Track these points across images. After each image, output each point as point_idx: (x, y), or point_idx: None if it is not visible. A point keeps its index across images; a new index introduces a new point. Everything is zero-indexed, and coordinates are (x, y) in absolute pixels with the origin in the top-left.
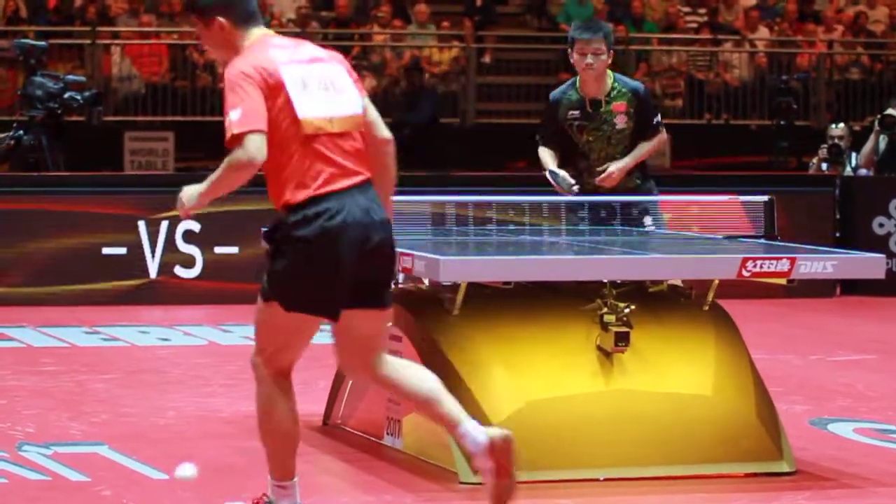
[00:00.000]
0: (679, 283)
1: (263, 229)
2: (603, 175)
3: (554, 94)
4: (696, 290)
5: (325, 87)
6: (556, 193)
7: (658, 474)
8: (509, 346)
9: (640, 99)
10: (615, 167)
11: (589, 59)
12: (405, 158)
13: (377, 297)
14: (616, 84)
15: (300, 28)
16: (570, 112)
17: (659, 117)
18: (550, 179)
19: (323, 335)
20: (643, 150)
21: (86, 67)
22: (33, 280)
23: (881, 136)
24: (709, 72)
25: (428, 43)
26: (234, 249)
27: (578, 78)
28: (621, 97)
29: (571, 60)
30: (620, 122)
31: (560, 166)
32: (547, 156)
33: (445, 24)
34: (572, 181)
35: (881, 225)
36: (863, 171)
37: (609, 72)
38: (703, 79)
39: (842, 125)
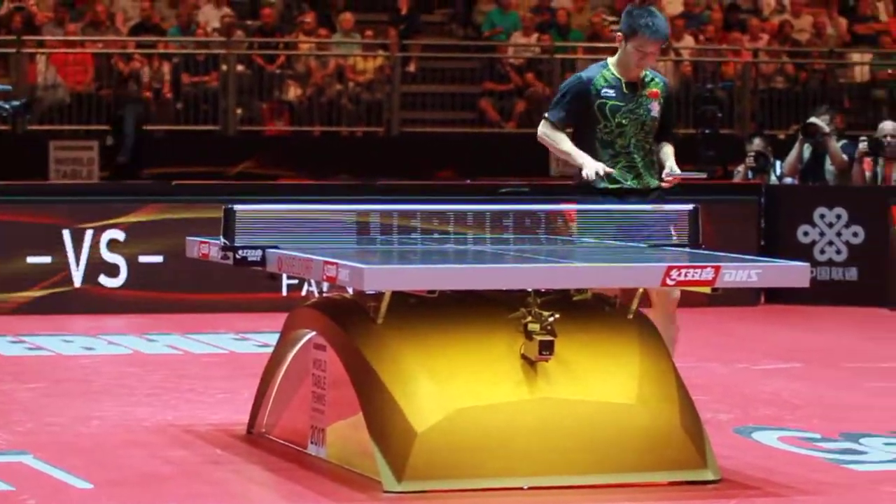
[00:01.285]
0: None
1: None
2: (667, 178)
3: (584, 72)
4: (621, 300)
5: None
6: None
7: (582, 483)
8: (434, 355)
9: (668, 92)
10: (674, 169)
11: (648, 59)
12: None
13: None
14: (648, 72)
15: (225, 37)
16: (605, 91)
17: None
18: (582, 167)
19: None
20: (671, 152)
21: (11, 76)
22: None
23: (805, 145)
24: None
25: (353, 52)
26: (158, 259)
27: (615, 60)
28: (655, 85)
29: (625, 49)
30: (654, 109)
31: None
32: (558, 134)
33: (369, 32)
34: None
35: (806, 233)
36: (788, 180)
37: None
38: None
39: (759, 139)
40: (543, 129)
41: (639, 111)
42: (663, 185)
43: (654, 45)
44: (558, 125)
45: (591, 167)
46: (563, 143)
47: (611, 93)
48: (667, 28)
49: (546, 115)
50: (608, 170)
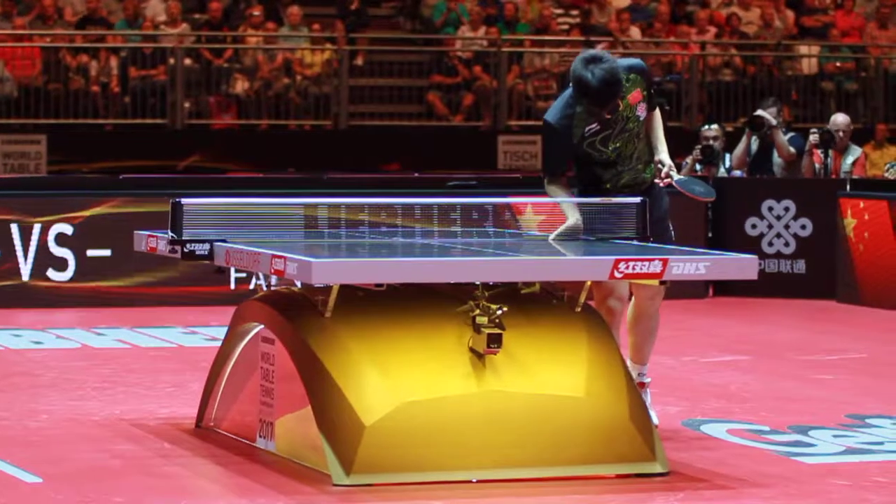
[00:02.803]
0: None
1: None
2: (664, 177)
3: (553, 117)
4: (569, 292)
5: None
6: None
7: (531, 476)
8: (382, 348)
9: (645, 75)
10: (669, 163)
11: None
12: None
13: None
14: (622, 73)
15: (172, 30)
16: (589, 128)
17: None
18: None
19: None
20: (659, 127)
21: None
22: None
23: (753, 138)
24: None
25: (300, 45)
26: (106, 252)
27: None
28: (633, 85)
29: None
30: (641, 111)
31: (580, 183)
32: (558, 192)
33: (316, 26)
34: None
35: (754, 226)
36: (736, 173)
37: None
38: None
39: (715, 126)
40: (548, 189)
41: (629, 126)
42: (657, 182)
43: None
44: (560, 178)
45: (570, 226)
46: (557, 197)
47: (595, 127)
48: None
49: (545, 178)
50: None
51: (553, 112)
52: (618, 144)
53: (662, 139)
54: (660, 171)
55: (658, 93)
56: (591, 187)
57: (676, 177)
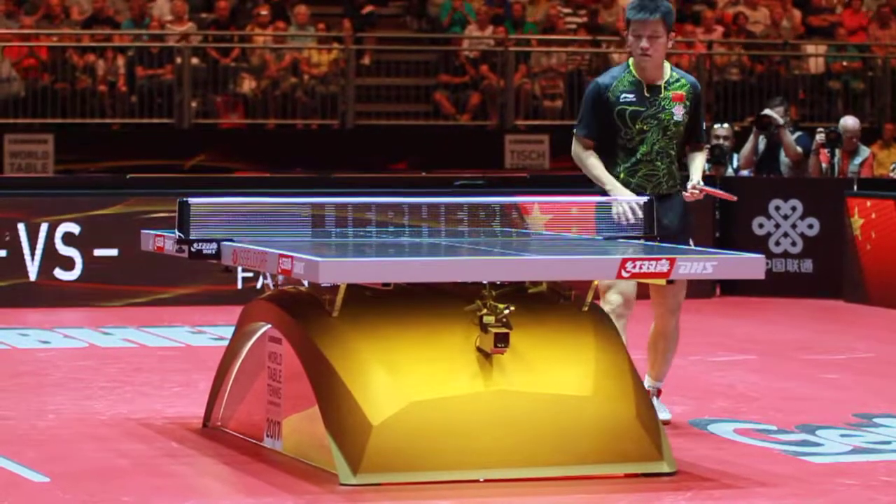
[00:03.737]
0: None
1: None
2: (691, 192)
3: (601, 78)
4: (576, 292)
5: None
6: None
7: (538, 475)
8: (389, 348)
9: (696, 94)
10: (700, 183)
11: (644, 43)
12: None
13: None
14: (674, 73)
15: (179, 29)
16: (625, 95)
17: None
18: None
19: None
20: (701, 160)
21: None
22: None
23: (760, 137)
24: (589, 73)
25: (308, 45)
26: (113, 252)
27: (632, 61)
28: (681, 87)
29: (627, 44)
30: (678, 112)
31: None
32: (589, 158)
33: (321, 25)
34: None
35: (761, 225)
36: (744, 172)
37: (665, 62)
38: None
39: (726, 125)
40: (575, 150)
41: (661, 115)
42: (686, 196)
43: (643, 25)
44: (587, 141)
45: (622, 207)
46: (595, 168)
47: (630, 97)
48: (655, 1)
49: (574, 130)
50: (637, 214)
51: (604, 74)
52: (644, 127)
53: (699, 167)
54: (690, 189)
55: None
56: (606, 166)
57: (702, 185)
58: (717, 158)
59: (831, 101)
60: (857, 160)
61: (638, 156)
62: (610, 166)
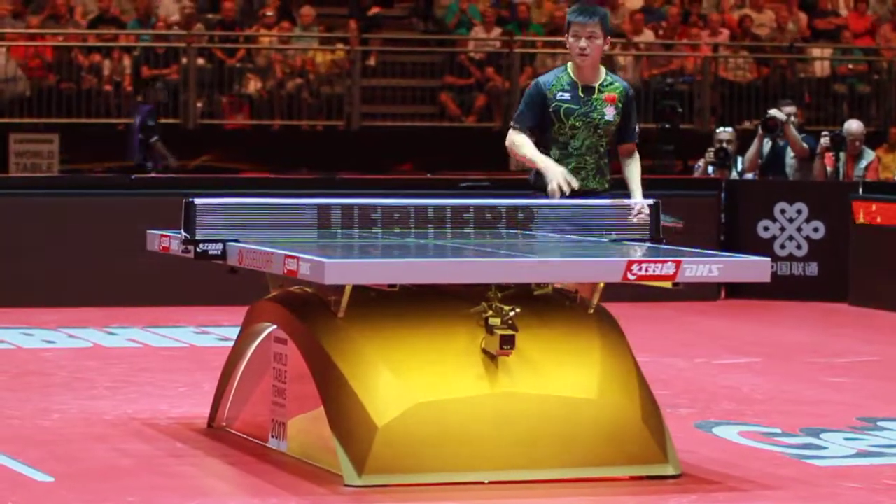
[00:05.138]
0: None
1: None
2: (637, 214)
3: (542, 77)
4: (581, 294)
5: None
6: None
7: (543, 477)
8: (395, 349)
9: (628, 97)
10: (642, 202)
11: (583, 44)
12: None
13: None
14: (609, 77)
15: (185, 30)
16: (561, 94)
17: (637, 127)
18: (542, 170)
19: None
20: (638, 174)
21: None
22: None
23: (765, 140)
24: None
25: (313, 45)
26: (122, 251)
27: (571, 64)
28: (613, 89)
29: (567, 45)
30: (609, 113)
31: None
32: (522, 142)
33: (321, 28)
34: (568, 183)
35: (766, 228)
36: (748, 175)
37: (601, 66)
38: None
39: (729, 129)
40: (509, 138)
41: (593, 115)
42: (632, 220)
43: (583, 27)
44: (523, 132)
45: (555, 180)
46: (524, 147)
47: (566, 96)
48: (594, 7)
49: (511, 123)
50: (573, 183)
51: (545, 74)
52: (577, 124)
53: (638, 182)
54: (632, 209)
55: (668, 95)
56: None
57: (646, 210)
58: (722, 161)
59: (837, 105)
60: (863, 164)
61: (569, 149)
62: (545, 153)
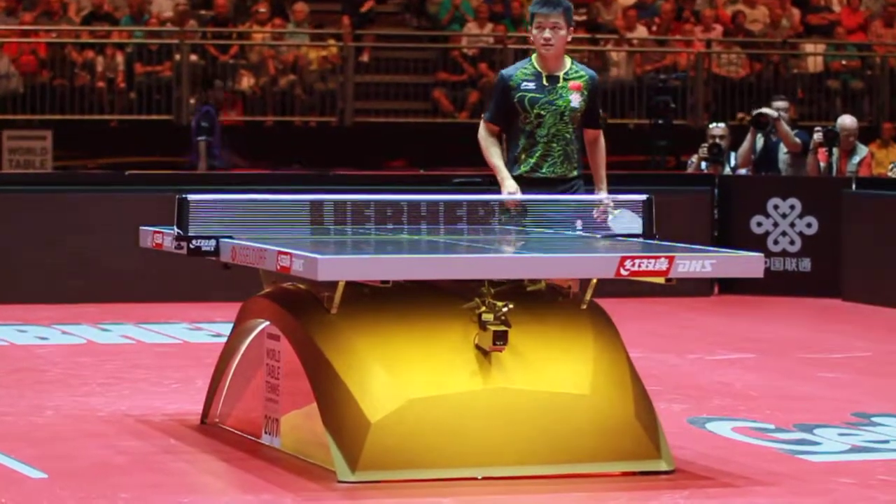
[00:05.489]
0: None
1: None
2: (601, 214)
3: (506, 70)
4: (575, 290)
5: None
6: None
7: (536, 473)
8: (388, 345)
9: (594, 85)
10: (606, 195)
11: (547, 34)
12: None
13: None
14: (574, 66)
15: (178, 27)
16: (525, 84)
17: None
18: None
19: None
20: (602, 163)
21: None
22: None
23: (758, 136)
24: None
25: (305, 42)
26: (113, 249)
27: (535, 55)
28: (579, 78)
29: (530, 38)
30: (576, 100)
31: (504, 143)
32: (491, 146)
33: (310, 26)
34: (515, 193)
35: (759, 224)
36: (741, 171)
37: (566, 56)
38: None
39: (722, 124)
40: (481, 133)
41: (558, 102)
42: (595, 214)
43: (546, 18)
44: (491, 124)
45: (505, 191)
46: (492, 156)
47: (530, 86)
48: (558, 1)
49: (482, 115)
50: (517, 200)
51: (510, 67)
52: (542, 112)
53: (604, 173)
54: (598, 205)
55: (661, 90)
56: (511, 152)
57: (611, 216)
58: (715, 157)
59: (830, 100)
60: (856, 159)
61: (535, 138)
62: (512, 146)
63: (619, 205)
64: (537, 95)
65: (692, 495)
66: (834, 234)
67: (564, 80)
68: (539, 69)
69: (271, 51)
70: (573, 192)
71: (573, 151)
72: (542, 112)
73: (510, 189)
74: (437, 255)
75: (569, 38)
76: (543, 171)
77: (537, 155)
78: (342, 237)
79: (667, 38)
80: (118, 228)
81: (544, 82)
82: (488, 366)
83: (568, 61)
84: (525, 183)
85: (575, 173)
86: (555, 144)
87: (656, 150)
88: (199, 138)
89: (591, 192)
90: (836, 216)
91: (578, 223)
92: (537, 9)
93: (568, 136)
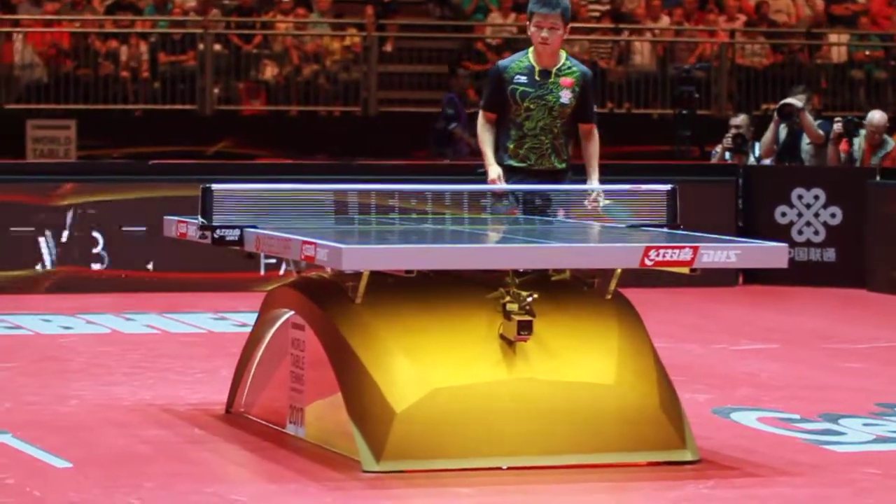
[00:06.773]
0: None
1: None
2: (592, 203)
3: (502, 61)
4: (599, 279)
5: None
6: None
7: (561, 463)
8: (412, 335)
9: (586, 81)
10: (600, 197)
11: (545, 34)
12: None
13: None
14: (568, 62)
15: (202, 16)
16: (518, 77)
17: (595, 109)
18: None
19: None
20: (595, 154)
21: None
22: None
23: (781, 126)
24: (610, 60)
25: (329, 32)
26: (136, 238)
27: (532, 49)
28: (570, 74)
29: (528, 33)
30: (565, 96)
31: (497, 133)
32: (484, 133)
33: (331, 16)
34: (502, 185)
35: (783, 214)
36: (765, 161)
37: (562, 51)
38: (605, 67)
39: (743, 115)
40: (479, 121)
41: (548, 97)
42: (586, 203)
43: (545, 18)
44: (487, 114)
45: (491, 175)
46: (483, 143)
47: (523, 79)
48: (557, 1)
49: (480, 104)
50: (500, 189)
51: (507, 58)
52: (531, 106)
53: (595, 164)
54: (590, 196)
55: (685, 81)
56: (502, 141)
57: (602, 203)
58: (739, 147)
59: (853, 91)
60: (881, 153)
61: (524, 130)
62: (503, 137)
63: (608, 195)
64: (528, 89)
65: (717, 485)
66: (858, 224)
67: (556, 75)
68: (533, 63)
69: (294, 40)
70: (561, 183)
71: (562, 145)
72: (532, 106)
73: (493, 176)
74: (462, 245)
75: (565, 37)
76: (532, 162)
77: (526, 147)
78: (366, 227)
79: (690, 27)
80: (143, 218)
81: (536, 77)
82: (513, 356)
83: (562, 56)
84: (513, 172)
85: (563, 166)
86: (543, 138)
87: (680, 140)
88: (453, 125)
89: (582, 182)
90: (860, 206)
91: (561, 213)
92: (537, 8)
93: (556, 130)
